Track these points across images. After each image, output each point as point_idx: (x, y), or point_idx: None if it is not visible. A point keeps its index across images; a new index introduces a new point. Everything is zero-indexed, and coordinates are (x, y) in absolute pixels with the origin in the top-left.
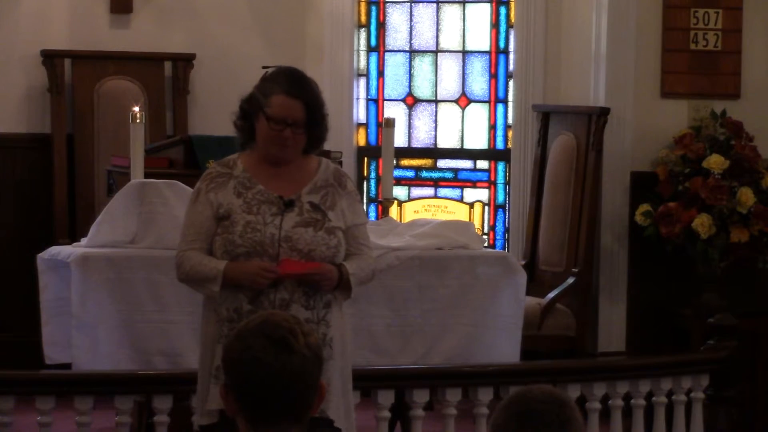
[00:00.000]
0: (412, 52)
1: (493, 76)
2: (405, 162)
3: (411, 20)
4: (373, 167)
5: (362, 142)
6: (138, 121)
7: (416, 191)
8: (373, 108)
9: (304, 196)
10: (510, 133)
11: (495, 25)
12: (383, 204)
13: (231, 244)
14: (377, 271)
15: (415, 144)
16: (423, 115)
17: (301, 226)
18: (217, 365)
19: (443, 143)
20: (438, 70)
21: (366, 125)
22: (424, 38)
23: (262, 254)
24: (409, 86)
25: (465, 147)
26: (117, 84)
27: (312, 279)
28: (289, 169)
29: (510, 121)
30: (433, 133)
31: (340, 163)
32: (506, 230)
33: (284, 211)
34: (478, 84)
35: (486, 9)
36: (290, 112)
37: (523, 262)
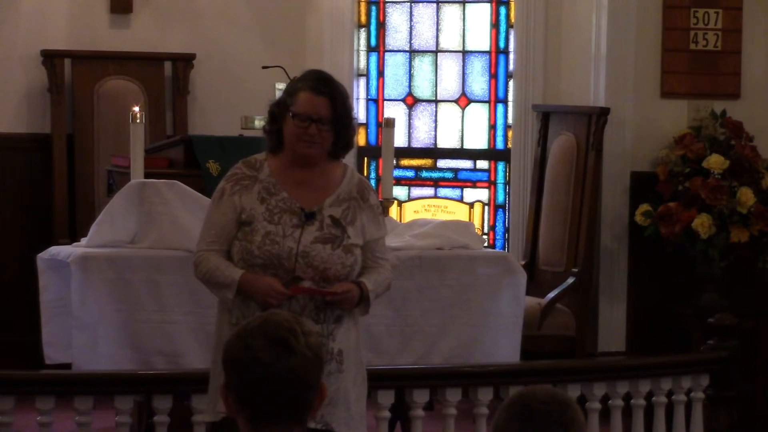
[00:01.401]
0: (412, 52)
1: (493, 76)
2: (405, 162)
3: (411, 20)
4: (373, 167)
5: (362, 142)
6: (138, 121)
7: (416, 191)
8: (373, 108)
9: (326, 209)
10: (510, 133)
11: (495, 25)
12: (383, 204)
13: (249, 254)
14: (393, 281)
15: (415, 144)
16: (423, 115)
17: (319, 242)
18: None
19: (443, 143)
20: (438, 70)
21: (366, 125)
22: (424, 38)
23: (278, 267)
24: (409, 86)
25: (465, 147)
26: (117, 84)
27: (334, 299)
28: (315, 175)
29: (510, 121)
30: (433, 133)
31: None
32: (506, 230)
33: (305, 224)
34: (478, 84)
35: (486, 9)
36: (315, 109)
37: (523, 262)
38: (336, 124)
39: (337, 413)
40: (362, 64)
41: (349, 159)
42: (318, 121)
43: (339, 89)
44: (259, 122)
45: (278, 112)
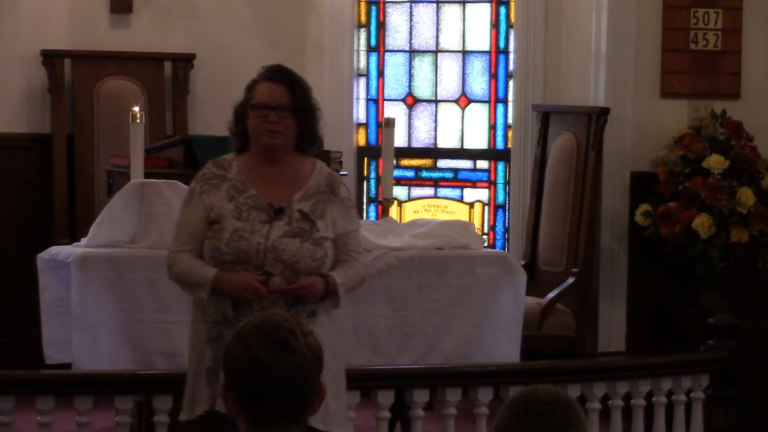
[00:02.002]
0: (412, 52)
1: (493, 76)
2: (405, 162)
3: (411, 20)
4: (373, 167)
5: (362, 142)
6: (138, 121)
7: (416, 191)
8: (373, 108)
9: (295, 204)
10: (510, 133)
11: (495, 25)
12: (383, 204)
13: (217, 251)
14: (369, 275)
15: (415, 144)
16: (423, 115)
17: (288, 236)
18: (207, 366)
19: (443, 143)
20: (438, 70)
21: (366, 125)
22: (424, 38)
23: (247, 263)
24: (409, 86)
25: (465, 147)
26: (117, 84)
27: (297, 293)
28: (283, 171)
29: (510, 121)
30: (433, 133)
31: (340, 163)
32: (506, 230)
33: (273, 219)
34: (478, 84)
35: (486, 9)
36: (273, 97)
37: (523, 262)
38: (296, 112)
39: (330, 410)
40: (362, 64)
41: (349, 159)
42: (277, 109)
43: (297, 78)
44: None
45: (241, 111)
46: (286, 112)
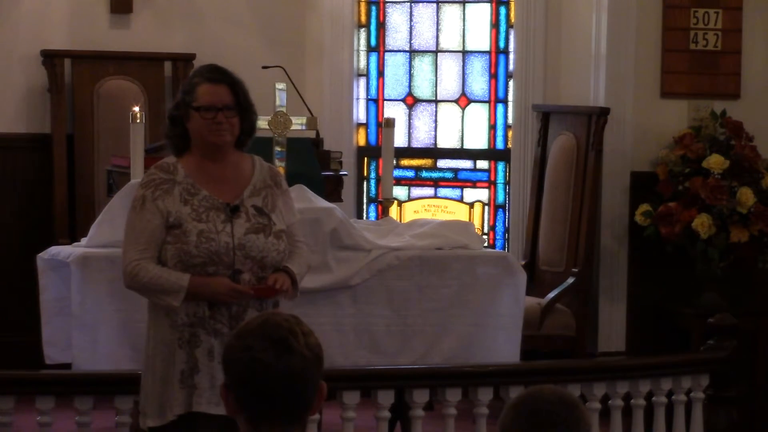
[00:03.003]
0: (412, 52)
1: (493, 76)
2: (405, 162)
3: (411, 20)
4: (373, 167)
5: (362, 142)
6: (138, 121)
7: (416, 191)
8: (373, 108)
9: (247, 200)
10: (510, 133)
11: (495, 25)
12: (383, 204)
13: (186, 254)
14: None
15: (415, 144)
16: (423, 115)
17: (252, 232)
18: (181, 369)
19: (443, 143)
20: (438, 70)
21: (366, 125)
22: (424, 38)
23: (218, 263)
24: (409, 86)
25: (465, 147)
26: (117, 84)
27: (279, 291)
28: (227, 169)
29: (510, 121)
30: (433, 133)
31: (340, 163)
32: (506, 230)
33: (232, 218)
34: (478, 84)
35: (486, 9)
36: (217, 97)
37: (523, 262)
38: (240, 109)
39: None
40: (362, 64)
41: (349, 159)
42: (223, 109)
43: (235, 76)
44: (261, 122)
45: (179, 114)
46: (231, 111)
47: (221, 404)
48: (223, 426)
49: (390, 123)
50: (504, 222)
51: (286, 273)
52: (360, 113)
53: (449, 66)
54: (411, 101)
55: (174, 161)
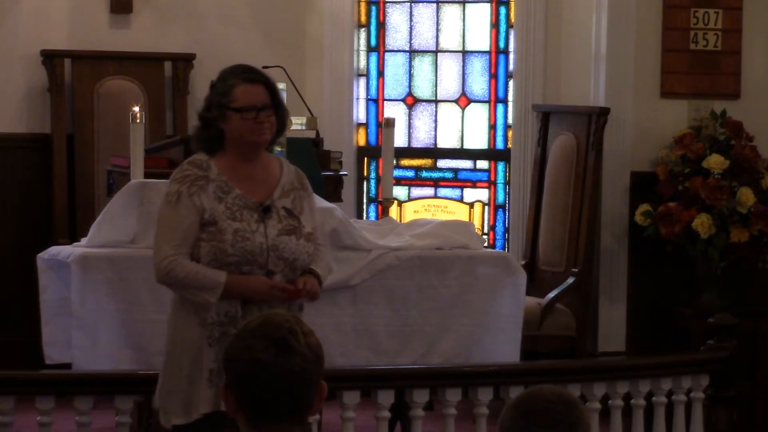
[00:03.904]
0: (412, 52)
1: (493, 76)
2: (405, 162)
3: (411, 20)
4: (373, 167)
5: (362, 142)
6: (138, 121)
7: (416, 191)
8: (373, 108)
9: (277, 201)
10: (510, 133)
11: (495, 25)
12: (383, 204)
13: (222, 253)
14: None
15: (415, 144)
16: (423, 115)
17: (284, 234)
18: (210, 368)
19: (443, 143)
20: (438, 70)
21: (366, 125)
22: (424, 38)
23: (252, 263)
24: (409, 86)
25: (465, 147)
26: (117, 84)
27: (314, 292)
28: (257, 169)
29: (510, 121)
30: (433, 133)
31: (340, 163)
32: (506, 230)
33: (264, 218)
34: (478, 84)
35: (486, 9)
36: (257, 97)
37: (523, 262)
38: (276, 108)
39: None
40: (362, 64)
41: (349, 159)
42: (262, 109)
43: (268, 75)
44: None
45: (211, 115)
46: (270, 110)
47: None
48: None
49: (390, 123)
50: (504, 222)
51: (312, 276)
52: (360, 113)
53: (449, 66)
54: (411, 101)
55: (206, 158)
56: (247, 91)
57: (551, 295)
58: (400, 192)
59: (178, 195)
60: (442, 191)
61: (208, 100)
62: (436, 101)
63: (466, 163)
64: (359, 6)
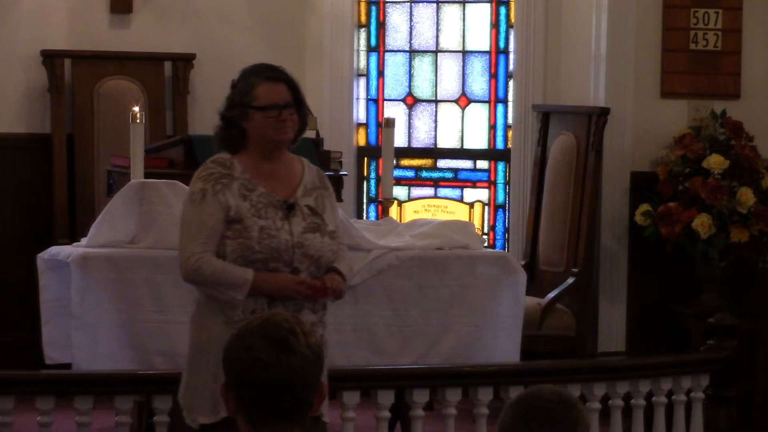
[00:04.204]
0: (412, 52)
1: (493, 76)
2: (405, 162)
3: (411, 20)
4: (373, 167)
5: (362, 142)
6: (138, 121)
7: (416, 191)
8: (373, 108)
9: (300, 199)
10: (510, 133)
11: (495, 25)
12: (383, 204)
13: (249, 250)
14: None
15: (415, 144)
16: (423, 115)
17: (309, 231)
18: None
19: (443, 143)
20: (438, 70)
21: (366, 125)
22: (424, 38)
23: (278, 260)
24: (409, 86)
25: (465, 147)
26: (117, 84)
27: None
28: (280, 167)
29: (510, 121)
30: (433, 133)
31: (340, 163)
32: (506, 230)
33: (289, 215)
34: (478, 84)
35: (486, 9)
36: (279, 95)
37: (523, 262)
38: (298, 106)
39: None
40: (362, 64)
41: (349, 159)
42: (285, 107)
43: (289, 73)
44: None
45: (233, 114)
46: (292, 108)
47: None
48: None
49: (390, 123)
50: (504, 222)
51: (336, 274)
52: (360, 113)
53: (449, 66)
54: (411, 101)
55: (229, 157)
56: (269, 89)
57: (551, 295)
58: (400, 192)
59: (203, 193)
60: (442, 191)
61: (230, 99)
62: (436, 101)
63: (466, 163)
64: (359, 6)
